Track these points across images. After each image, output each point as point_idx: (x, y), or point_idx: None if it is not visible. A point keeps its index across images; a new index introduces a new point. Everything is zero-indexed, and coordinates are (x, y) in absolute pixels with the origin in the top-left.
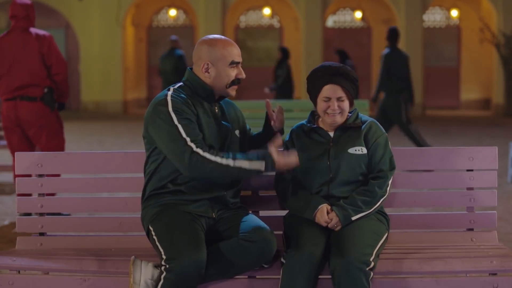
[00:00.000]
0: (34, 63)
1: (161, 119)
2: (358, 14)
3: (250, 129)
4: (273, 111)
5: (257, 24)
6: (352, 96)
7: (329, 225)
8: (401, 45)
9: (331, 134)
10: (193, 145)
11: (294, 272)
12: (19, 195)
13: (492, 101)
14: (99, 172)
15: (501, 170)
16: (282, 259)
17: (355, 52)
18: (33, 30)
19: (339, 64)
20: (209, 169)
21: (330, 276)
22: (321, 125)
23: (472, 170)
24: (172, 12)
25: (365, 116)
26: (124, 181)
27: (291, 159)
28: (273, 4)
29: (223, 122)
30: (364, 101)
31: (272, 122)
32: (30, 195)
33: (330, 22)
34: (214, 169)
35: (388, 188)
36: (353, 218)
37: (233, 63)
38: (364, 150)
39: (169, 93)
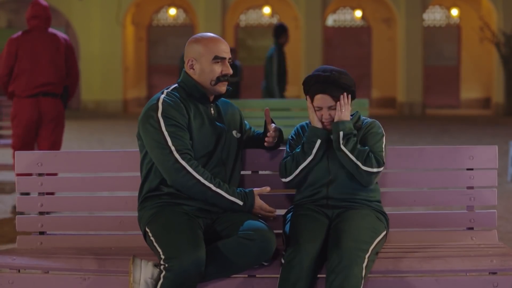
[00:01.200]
0: (60, 62)
1: (150, 124)
2: (358, 13)
3: (251, 127)
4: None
5: (257, 23)
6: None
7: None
8: (401, 44)
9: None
10: (177, 156)
11: (294, 272)
12: (19, 193)
13: (492, 100)
14: (99, 171)
15: (501, 169)
16: (282, 260)
17: (355, 51)
18: (55, 31)
19: (331, 71)
20: (191, 184)
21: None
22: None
23: (472, 169)
24: (172, 11)
25: (367, 118)
26: (124, 180)
27: (268, 210)
28: (273, 3)
29: (218, 123)
30: (364, 100)
31: (267, 136)
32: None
33: (330, 21)
34: (196, 186)
35: (382, 167)
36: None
37: (217, 58)
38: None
39: (162, 96)
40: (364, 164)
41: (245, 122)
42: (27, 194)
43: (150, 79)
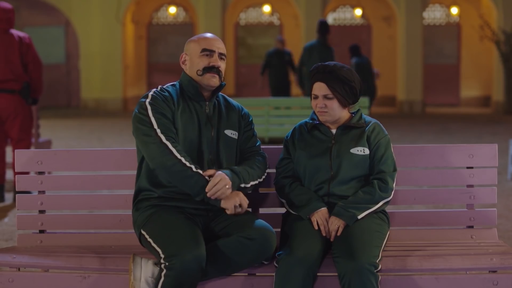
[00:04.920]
0: (14, 61)
1: (138, 111)
2: (358, 12)
3: (255, 140)
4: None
5: (257, 21)
6: (343, 96)
7: (324, 232)
8: (401, 42)
9: (333, 131)
10: (162, 136)
11: (287, 277)
12: (19, 192)
13: (492, 99)
14: (99, 169)
15: (501, 168)
16: (274, 263)
17: None
18: (14, 31)
19: (335, 64)
20: (171, 164)
21: (328, 274)
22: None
23: (472, 168)
24: (172, 10)
25: (368, 117)
26: (124, 178)
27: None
28: (273, 1)
29: (210, 122)
30: (364, 99)
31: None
32: (30, 192)
33: (330, 19)
34: (176, 165)
35: (392, 192)
36: (359, 217)
37: (205, 51)
38: (367, 151)
39: (154, 89)
40: (379, 203)
41: (254, 130)
42: (27, 192)
43: (150, 77)
